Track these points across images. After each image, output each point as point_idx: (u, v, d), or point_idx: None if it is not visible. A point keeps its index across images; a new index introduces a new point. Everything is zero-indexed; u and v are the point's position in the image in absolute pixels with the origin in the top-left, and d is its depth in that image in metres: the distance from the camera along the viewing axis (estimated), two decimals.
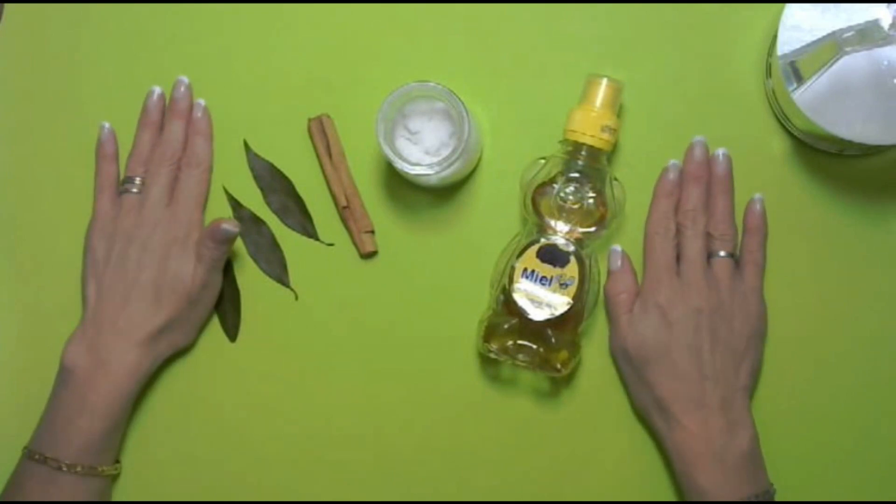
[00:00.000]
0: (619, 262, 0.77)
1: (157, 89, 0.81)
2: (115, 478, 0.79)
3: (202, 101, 0.81)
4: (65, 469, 0.73)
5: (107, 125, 0.81)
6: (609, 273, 0.77)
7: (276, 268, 0.81)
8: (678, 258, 0.75)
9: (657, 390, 0.73)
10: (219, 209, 0.81)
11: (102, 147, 0.81)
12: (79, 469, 0.74)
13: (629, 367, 0.76)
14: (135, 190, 0.79)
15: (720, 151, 0.76)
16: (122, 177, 0.80)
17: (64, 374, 0.76)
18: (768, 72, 0.77)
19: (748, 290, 0.75)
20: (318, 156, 0.80)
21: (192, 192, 0.79)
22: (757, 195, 0.76)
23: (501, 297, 0.75)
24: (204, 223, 0.79)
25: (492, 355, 0.76)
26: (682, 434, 0.72)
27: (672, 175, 0.76)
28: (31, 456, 0.74)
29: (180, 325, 0.78)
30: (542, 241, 0.74)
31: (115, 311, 0.76)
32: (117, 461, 0.79)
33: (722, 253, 0.74)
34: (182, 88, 0.81)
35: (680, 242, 0.75)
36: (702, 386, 0.72)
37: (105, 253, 0.78)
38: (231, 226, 0.76)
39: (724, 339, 0.73)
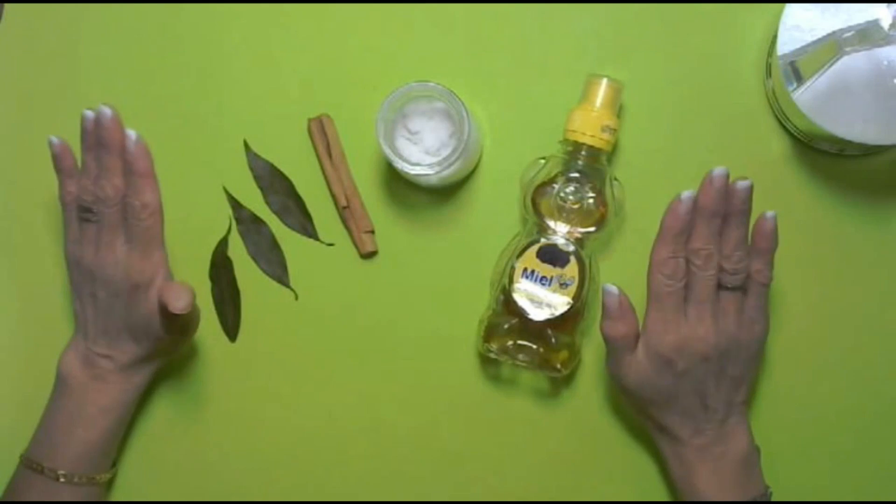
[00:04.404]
0: (616, 305, 0.70)
1: (90, 114, 0.73)
2: (111, 480, 0.79)
3: (133, 134, 0.72)
4: (63, 480, 0.73)
5: (55, 140, 0.74)
6: (605, 314, 0.70)
7: (276, 268, 0.81)
8: (685, 291, 0.70)
9: (659, 421, 0.72)
10: (219, 209, 0.81)
11: (58, 162, 0.74)
12: (76, 479, 0.73)
13: (629, 399, 0.74)
14: (94, 219, 0.73)
15: (742, 184, 0.68)
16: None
17: (60, 384, 0.75)
18: (768, 72, 0.77)
19: (753, 310, 0.70)
20: (318, 156, 0.80)
21: (144, 237, 0.72)
22: (769, 213, 0.69)
23: (501, 297, 0.75)
24: (166, 259, 0.74)
25: (492, 355, 0.76)
26: (681, 446, 0.72)
27: (684, 211, 0.68)
28: (29, 465, 0.74)
29: (165, 350, 0.76)
30: (542, 241, 0.74)
31: (100, 336, 0.75)
32: (114, 464, 0.78)
33: (730, 285, 0.69)
34: (106, 123, 0.72)
35: (689, 281, 0.69)
36: (705, 415, 0.71)
37: (79, 278, 0.75)
38: (181, 303, 0.70)
39: (730, 373, 0.71)
